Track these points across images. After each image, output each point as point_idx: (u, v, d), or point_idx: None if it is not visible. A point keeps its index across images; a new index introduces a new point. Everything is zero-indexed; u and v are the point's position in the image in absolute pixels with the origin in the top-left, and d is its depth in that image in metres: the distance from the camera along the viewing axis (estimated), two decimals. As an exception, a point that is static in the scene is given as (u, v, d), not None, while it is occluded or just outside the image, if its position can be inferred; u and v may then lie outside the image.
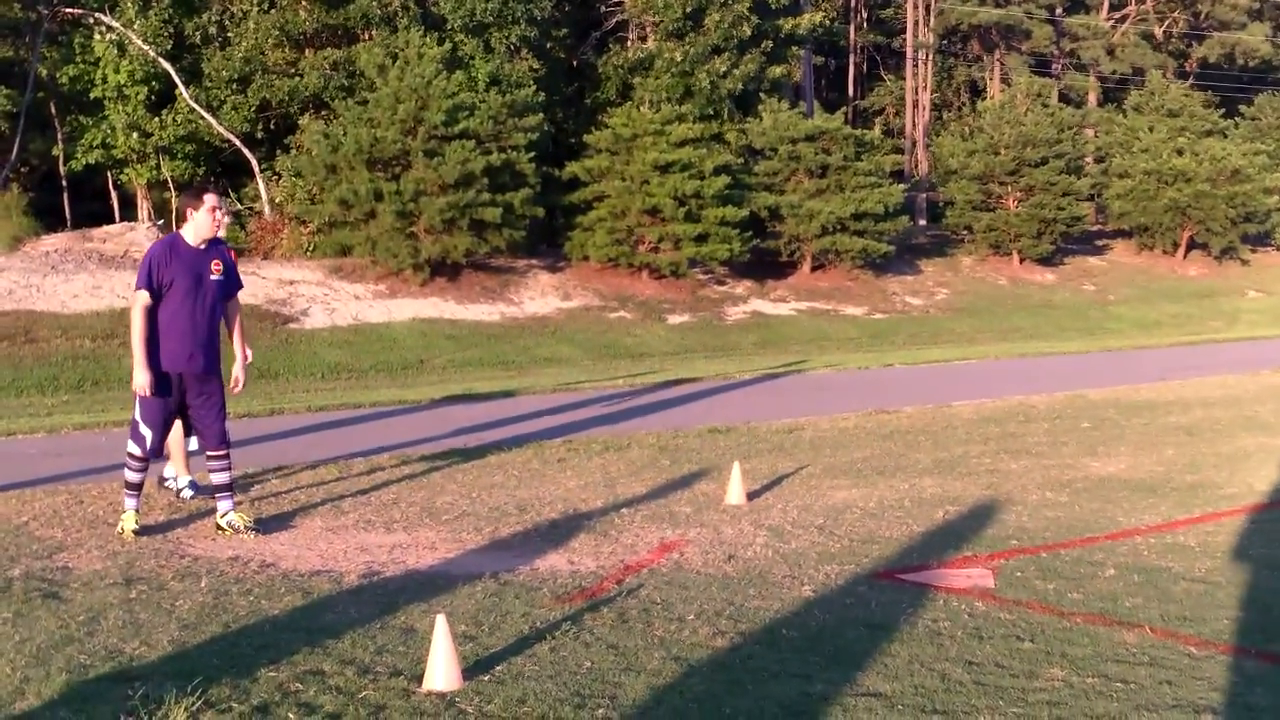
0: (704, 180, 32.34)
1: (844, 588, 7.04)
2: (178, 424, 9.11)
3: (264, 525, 8.73)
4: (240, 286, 8.91)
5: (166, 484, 9.87)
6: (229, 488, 8.65)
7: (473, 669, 5.54)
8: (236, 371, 8.81)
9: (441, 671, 5.33)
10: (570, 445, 12.63)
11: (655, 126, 32.60)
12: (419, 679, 5.39)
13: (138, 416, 8.39)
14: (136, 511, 8.51)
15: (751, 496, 9.74)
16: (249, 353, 8.95)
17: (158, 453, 8.51)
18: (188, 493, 9.70)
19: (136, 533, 8.35)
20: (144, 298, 8.26)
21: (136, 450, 8.40)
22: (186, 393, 8.45)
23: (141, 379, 8.23)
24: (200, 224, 8.36)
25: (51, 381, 20.76)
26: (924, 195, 50.02)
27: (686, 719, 4.98)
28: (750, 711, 5.04)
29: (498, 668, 5.60)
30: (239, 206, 32.44)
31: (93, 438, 13.89)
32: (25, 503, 9.57)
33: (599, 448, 12.54)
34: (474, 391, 18.68)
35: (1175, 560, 7.67)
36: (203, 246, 8.44)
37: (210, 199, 8.40)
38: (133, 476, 8.47)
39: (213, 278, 8.42)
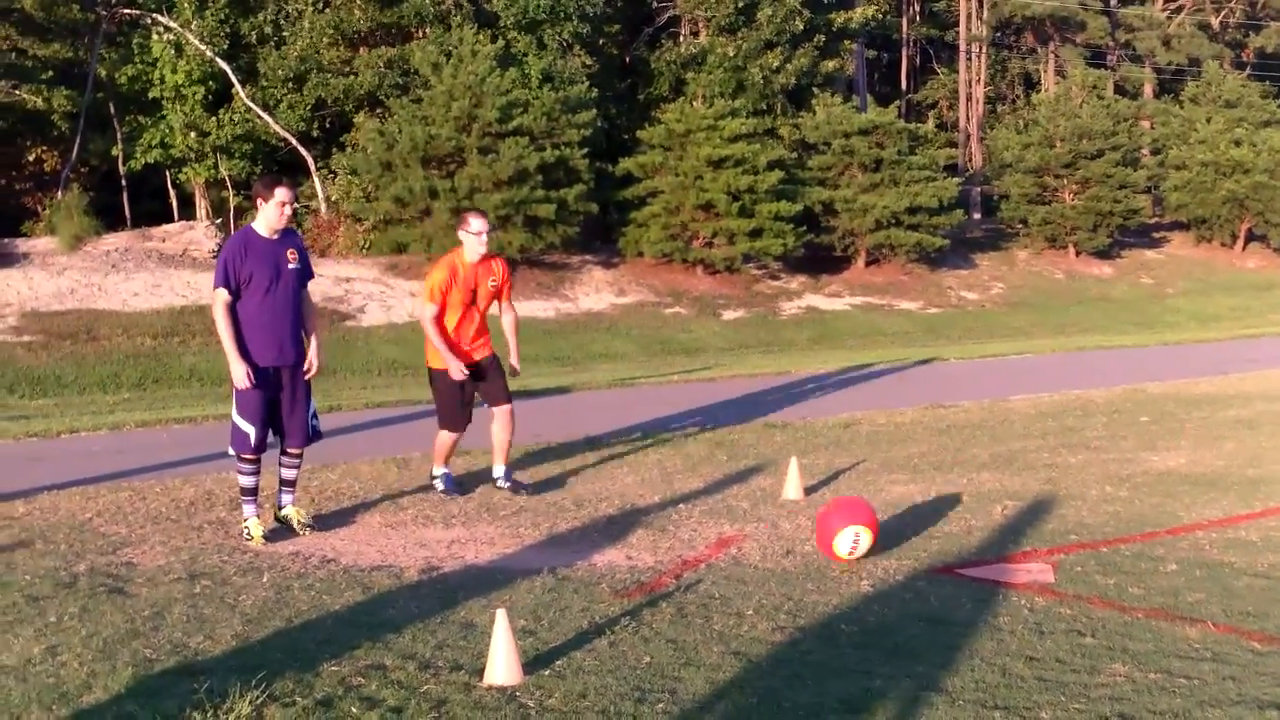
0: (757, 175, 32.33)
1: (903, 583, 7.02)
2: (498, 417, 9.91)
3: (324, 521, 8.80)
4: (311, 276, 8.75)
5: (498, 484, 9.98)
6: (293, 484, 8.70)
7: (533, 663, 5.57)
8: (311, 356, 8.60)
9: (502, 666, 5.36)
10: (627, 441, 12.64)
11: (708, 122, 32.60)
12: (479, 673, 5.42)
13: (235, 415, 8.26)
14: (258, 517, 8.36)
15: (809, 491, 9.73)
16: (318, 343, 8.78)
17: (260, 448, 8.28)
18: (503, 483, 9.96)
19: (266, 538, 8.21)
20: (223, 295, 8.19)
21: (237, 450, 8.27)
22: (282, 387, 8.36)
23: (238, 372, 8.12)
24: (269, 215, 8.28)
25: (113, 379, 21.01)
26: (978, 189, 49.74)
27: (746, 714, 4.99)
28: (810, 706, 5.04)
29: (558, 662, 5.63)
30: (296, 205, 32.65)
31: (154, 435, 14.03)
32: (90, 499, 9.68)
33: (654, 443, 12.56)
34: (529, 388, 18.73)
35: (1237, 555, 7.60)
36: (276, 236, 8.35)
37: (281, 193, 8.27)
38: (245, 481, 8.32)
39: (290, 266, 8.34)
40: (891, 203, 35.06)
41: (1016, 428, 13.55)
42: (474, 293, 9.78)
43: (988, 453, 11.76)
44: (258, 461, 8.32)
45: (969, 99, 55.43)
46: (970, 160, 52.91)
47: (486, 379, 9.97)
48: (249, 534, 8.24)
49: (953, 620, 6.27)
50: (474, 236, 9.68)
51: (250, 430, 8.21)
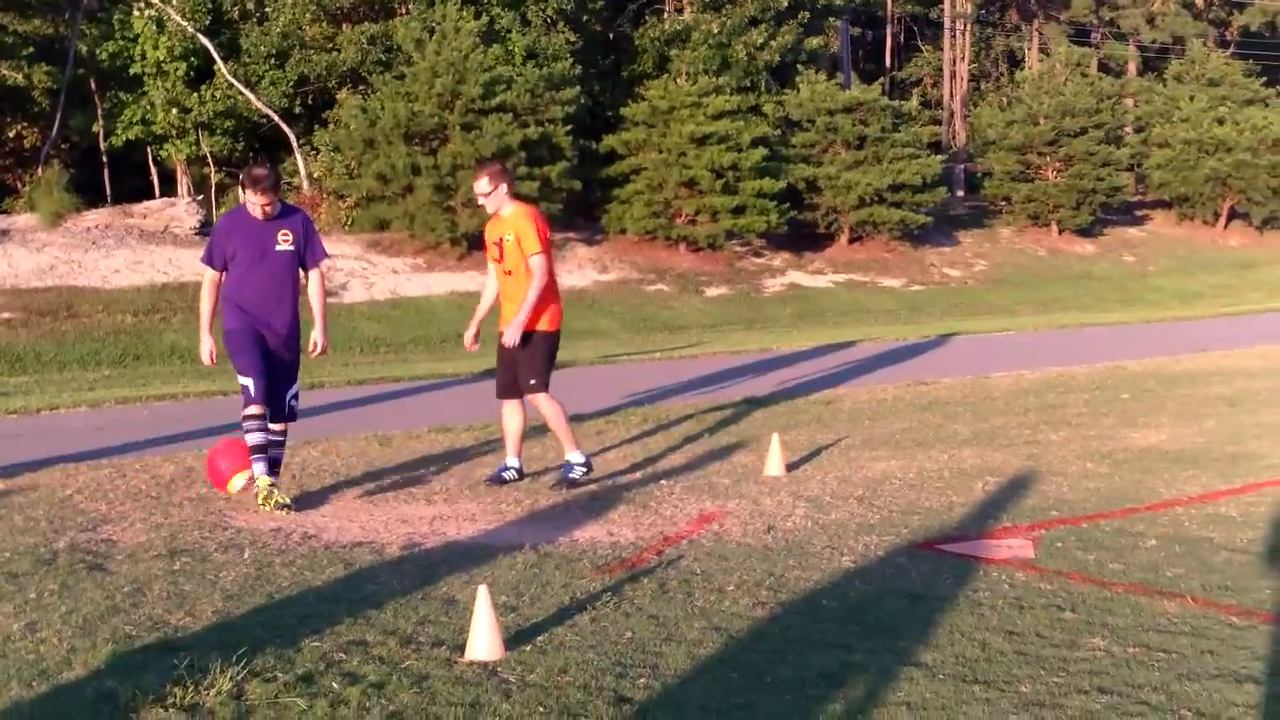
0: (741, 152, 32.29)
1: (884, 558, 7.04)
2: (517, 414, 9.16)
3: (305, 498, 8.80)
4: (323, 256, 8.73)
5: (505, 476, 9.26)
6: (278, 464, 8.68)
7: (514, 639, 5.57)
8: (315, 335, 8.66)
9: (483, 641, 5.36)
10: (609, 418, 12.65)
11: (692, 99, 32.54)
12: (461, 649, 5.42)
13: (238, 372, 8.35)
14: (268, 474, 8.33)
15: (790, 468, 9.75)
16: (323, 324, 8.77)
17: (264, 398, 8.29)
18: (509, 474, 9.24)
19: (277, 502, 8.20)
20: (206, 272, 8.51)
21: (246, 403, 8.31)
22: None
23: (203, 347, 8.50)
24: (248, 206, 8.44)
25: (93, 356, 20.93)
26: (962, 166, 49.76)
27: (727, 688, 5.00)
28: (791, 681, 5.06)
29: (539, 638, 5.63)
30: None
31: (134, 412, 14.00)
32: (69, 476, 9.66)
33: (637, 420, 12.57)
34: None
35: (1217, 531, 7.64)
36: (267, 219, 8.39)
37: (247, 193, 8.38)
38: (252, 438, 8.33)
39: (279, 248, 8.37)
40: (875, 180, 35.04)
41: (998, 404, 13.59)
42: (498, 247, 9.13)
43: (969, 429, 11.80)
44: (264, 417, 8.33)
45: (953, 76, 55.40)
46: (954, 138, 52.92)
47: (507, 363, 9.24)
48: (259, 498, 8.27)
49: (933, 595, 6.29)
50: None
51: (249, 381, 8.27)
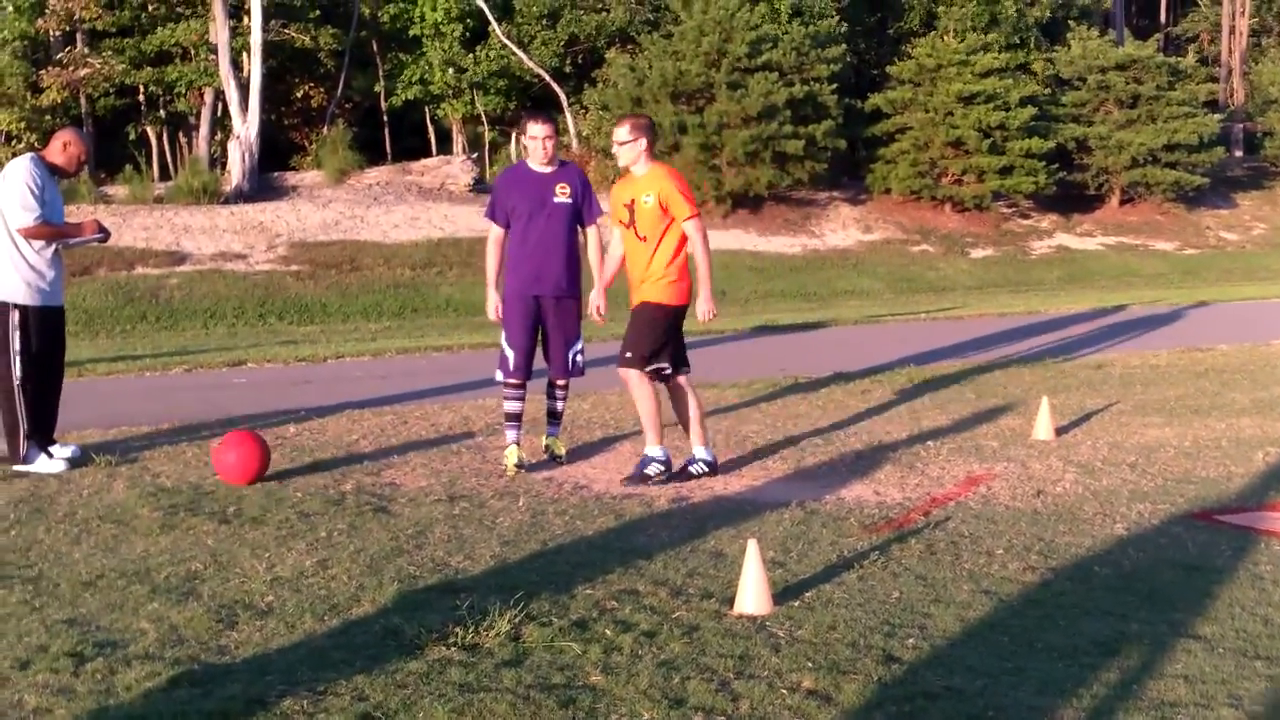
0: (1009, 111, 31.68)
1: (1158, 527, 6.88)
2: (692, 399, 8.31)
3: (576, 450, 9.01)
4: (599, 213, 8.58)
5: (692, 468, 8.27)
6: (558, 417, 8.83)
7: (782, 595, 5.62)
8: (595, 297, 8.51)
9: (752, 595, 5.41)
10: (874, 378, 12.61)
11: (959, 57, 32.02)
12: (729, 602, 5.48)
13: (502, 340, 8.52)
14: (518, 445, 8.43)
15: (1060, 432, 9.58)
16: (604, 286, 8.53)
17: (519, 373, 8.40)
18: (695, 468, 8.21)
19: (519, 467, 8.28)
20: (491, 229, 8.57)
21: (500, 374, 8.49)
22: (544, 317, 8.47)
23: (489, 303, 8.51)
24: (529, 149, 8.53)
25: (375, 308, 21.75)
26: (1241, 126, 47.70)
27: (998, 652, 4.97)
28: (1062, 647, 5.00)
29: (807, 594, 5.67)
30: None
31: (414, 362, 14.51)
32: (355, 421, 10.09)
33: (902, 380, 12.50)
34: (776, 323, 18.77)
35: None
36: (549, 170, 8.45)
37: (529, 128, 8.41)
38: (508, 406, 8.48)
39: (557, 200, 8.36)
40: (1148, 140, 33.98)
41: (1279, 373, 13.08)
42: (628, 210, 8.23)
43: (1248, 398, 11.39)
44: (520, 387, 8.47)
45: (1232, 32, 53.04)
46: (1232, 96, 50.74)
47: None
48: (505, 464, 8.37)
49: (1211, 567, 6.13)
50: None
51: (510, 354, 8.43)
